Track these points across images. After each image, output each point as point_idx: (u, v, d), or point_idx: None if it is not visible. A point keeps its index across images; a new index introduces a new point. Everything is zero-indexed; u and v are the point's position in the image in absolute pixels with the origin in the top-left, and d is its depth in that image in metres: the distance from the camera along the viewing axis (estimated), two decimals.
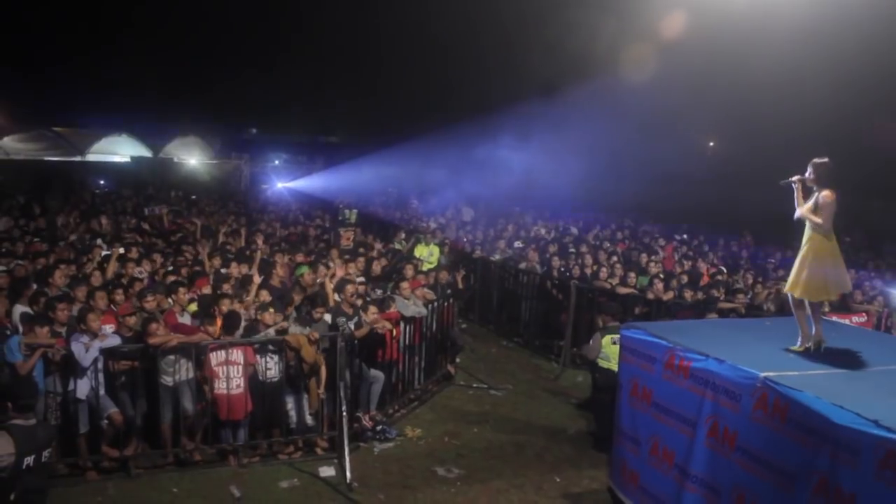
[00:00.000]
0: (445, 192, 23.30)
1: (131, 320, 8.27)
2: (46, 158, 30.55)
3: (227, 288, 9.84)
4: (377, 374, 9.67)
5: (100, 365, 7.83)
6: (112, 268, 10.54)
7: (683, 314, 11.49)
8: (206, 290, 9.91)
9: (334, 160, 32.40)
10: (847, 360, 6.58)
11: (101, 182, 26.89)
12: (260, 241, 13.54)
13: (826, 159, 6.62)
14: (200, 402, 8.41)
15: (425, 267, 13.33)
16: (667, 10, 21.00)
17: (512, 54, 30.61)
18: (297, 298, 9.63)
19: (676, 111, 25.28)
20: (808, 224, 6.65)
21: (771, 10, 19.01)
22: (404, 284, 10.72)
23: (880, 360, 6.56)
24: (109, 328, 8.22)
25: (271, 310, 8.88)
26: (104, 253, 11.58)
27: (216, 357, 8.32)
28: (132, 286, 9.51)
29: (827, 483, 5.19)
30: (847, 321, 10.41)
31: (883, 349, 6.92)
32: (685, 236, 20.09)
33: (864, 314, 11.87)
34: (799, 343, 6.83)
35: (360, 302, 9.72)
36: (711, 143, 36.46)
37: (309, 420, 8.94)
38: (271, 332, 8.61)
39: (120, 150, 33.49)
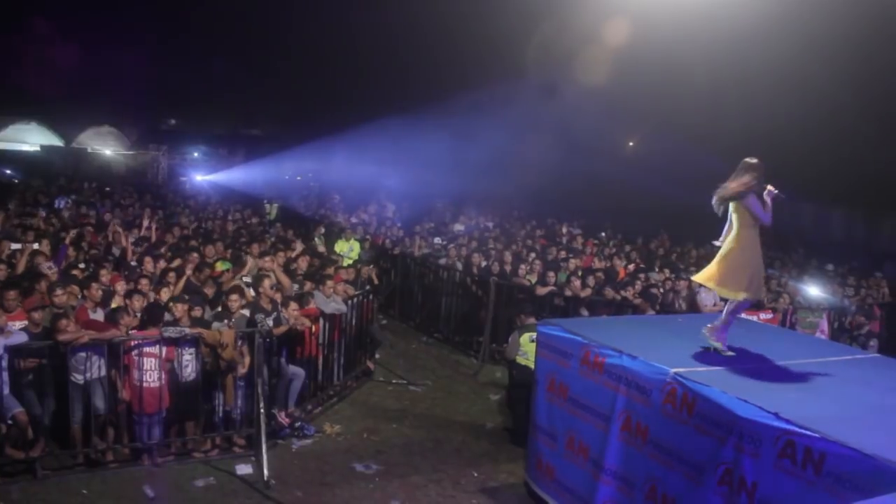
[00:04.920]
0: (368, 187, 23.21)
1: (37, 315, 7.98)
2: None
3: (144, 284, 9.57)
4: (297, 371, 9.57)
5: (4, 363, 7.50)
6: (23, 263, 10.14)
7: (600, 311, 11.74)
8: (120, 285, 9.59)
9: (256, 153, 32.00)
10: (753, 355, 6.83)
11: (8, 172, 25.89)
12: (170, 239, 13.22)
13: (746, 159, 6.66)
14: (113, 400, 8.17)
15: (345, 263, 13.27)
16: (586, 11, 21.36)
17: (434, 50, 30.69)
18: (210, 293, 9.44)
19: (596, 111, 25.74)
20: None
21: (691, 13, 19.50)
22: (329, 283, 10.65)
23: (784, 356, 6.83)
24: (17, 325, 7.89)
25: (183, 303, 8.70)
26: (13, 247, 11.14)
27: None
28: (40, 281, 9.15)
29: (732, 473, 5.42)
30: (755, 318, 10.81)
31: (786, 345, 7.21)
32: (604, 234, 20.53)
33: (770, 311, 12.35)
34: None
35: (278, 297, 9.60)
36: (630, 143, 37.18)
37: (230, 416, 8.79)
38: (186, 329, 8.42)
39: (29, 138, 32.37)
